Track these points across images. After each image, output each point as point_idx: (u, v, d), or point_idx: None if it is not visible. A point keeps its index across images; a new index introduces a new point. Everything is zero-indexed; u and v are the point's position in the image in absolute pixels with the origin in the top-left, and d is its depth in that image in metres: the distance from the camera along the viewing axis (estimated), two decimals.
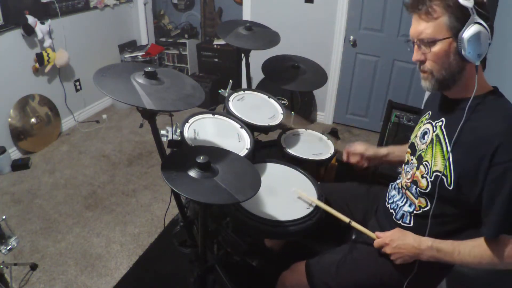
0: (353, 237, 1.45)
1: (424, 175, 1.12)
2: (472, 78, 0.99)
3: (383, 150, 1.49)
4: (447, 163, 1.03)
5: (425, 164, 1.12)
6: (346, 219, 1.27)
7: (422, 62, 1.04)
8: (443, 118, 1.10)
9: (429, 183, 1.09)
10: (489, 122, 0.97)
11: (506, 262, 1.00)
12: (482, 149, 0.96)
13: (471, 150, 0.99)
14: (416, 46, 1.04)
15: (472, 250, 1.03)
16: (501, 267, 1.02)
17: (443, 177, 1.05)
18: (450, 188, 1.04)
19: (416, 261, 1.15)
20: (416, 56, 1.04)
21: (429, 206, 1.12)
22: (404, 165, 1.28)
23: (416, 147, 1.20)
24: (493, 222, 0.97)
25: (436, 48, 0.99)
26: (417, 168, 1.15)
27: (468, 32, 0.93)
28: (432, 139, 1.12)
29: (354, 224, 1.25)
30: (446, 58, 1.00)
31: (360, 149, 1.50)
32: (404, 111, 2.79)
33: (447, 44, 0.98)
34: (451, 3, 0.95)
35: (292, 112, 1.94)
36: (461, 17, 0.94)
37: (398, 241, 1.13)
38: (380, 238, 1.18)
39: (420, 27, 1.00)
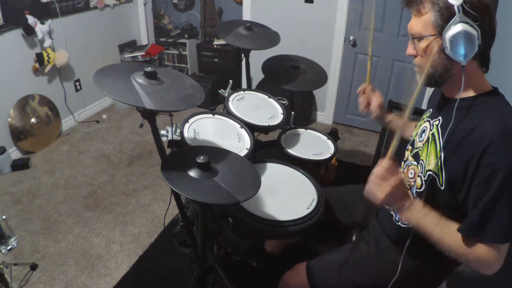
0: (353, 237, 1.45)
1: (419, 174, 1.12)
2: (465, 77, 0.98)
3: (389, 116, 1.51)
4: (439, 163, 1.03)
5: (421, 162, 1.11)
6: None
7: (414, 57, 1.06)
8: (440, 117, 1.10)
9: (423, 182, 1.09)
10: (481, 124, 0.96)
11: (471, 263, 0.98)
12: (471, 150, 0.94)
13: (460, 150, 0.98)
14: (410, 41, 1.06)
15: (452, 235, 0.98)
16: (468, 264, 1.00)
17: (435, 176, 1.04)
18: (442, 188, 1.03)
19: (403, 264, 1.14)
20: (408, 50, 1.07)
21: None
22: (403, 162, 1.28)
23: (415, 145, 1.19)
24: (470, 222, 0.95)
25: (423, 44, 1.01)
26: (417, 167, 1.15)
27: (451, 31, 0.92)
28: (428, 137, 1.11)
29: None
30: (431, 55, 1.00)
31: (376, 99, 1.47)
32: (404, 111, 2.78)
33: (432, 41, 0.98)
34: (438, 1, 0.95)
35: (292, 112, 1.94)
36: (446, 15, 0.94)
37: (402, 187, 1.03)
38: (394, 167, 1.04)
39: (412, 22, 1.02)
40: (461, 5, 0.91)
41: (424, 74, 1.03)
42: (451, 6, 0.92)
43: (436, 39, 0.98)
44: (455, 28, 0.92)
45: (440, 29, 0.96)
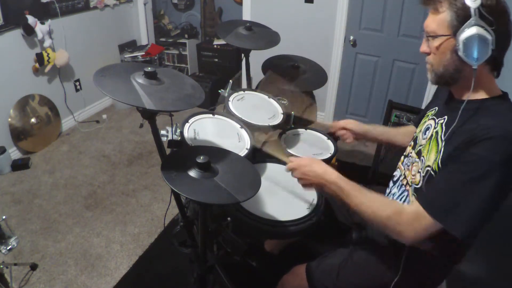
0: (353, 238, 1.45)
1: (419, 170, 1.12)
2: (476, 80, 0.97)
3: (371, 131, 1.59)
4: (438, 158, 1.02)
5: (422, 159, 1.12)
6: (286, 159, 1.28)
7: (427, 54, 1.06)
8: (446, 116, 1.10)
9: (421, 178, 1.09)
10: (484, 124, 0.94)
11: (390, 228, 1.01)
12: (466, 142, 0.94)
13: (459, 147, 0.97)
14: (424, 38, 1.06)
15: (375, 202, 1.05)
16: (391, 233, 1.02)
17: (432, 172, 1.03)
18: None
19: (402, 263, 1.14)
20: (422, 47, 1.07)
21: None
22: (404, 158, 1.27)
23: (418, 142, 1.20)
24: (437, 200, 0.96)
25: (436, 43, 1.00)
26: (419, 163, 1.15)
27: (465, 33, 0.92)
28: (431, 135, 1.11)
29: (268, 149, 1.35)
30: (444, 55, 1.00)
31: (351, 126, 1.60)
32: (404, 111, 2.79)
33: (446, 41, 0.98)
34: (456, 2, 0.94)
35: (292, 112, 1.94)
36: (462, 16, 0.93)
37: (306, 168, 1.17)
38: (292, 162, 1.22)
39: (429, 20, 1.02)
40: (478, 8, 0.91)
41: (435, 72, 1.04)
42: (468, 7, 0.92)
43: (449, 40, 0.97)
44: (469, 30, 0.91)
45: (454, 30, 0.95)
